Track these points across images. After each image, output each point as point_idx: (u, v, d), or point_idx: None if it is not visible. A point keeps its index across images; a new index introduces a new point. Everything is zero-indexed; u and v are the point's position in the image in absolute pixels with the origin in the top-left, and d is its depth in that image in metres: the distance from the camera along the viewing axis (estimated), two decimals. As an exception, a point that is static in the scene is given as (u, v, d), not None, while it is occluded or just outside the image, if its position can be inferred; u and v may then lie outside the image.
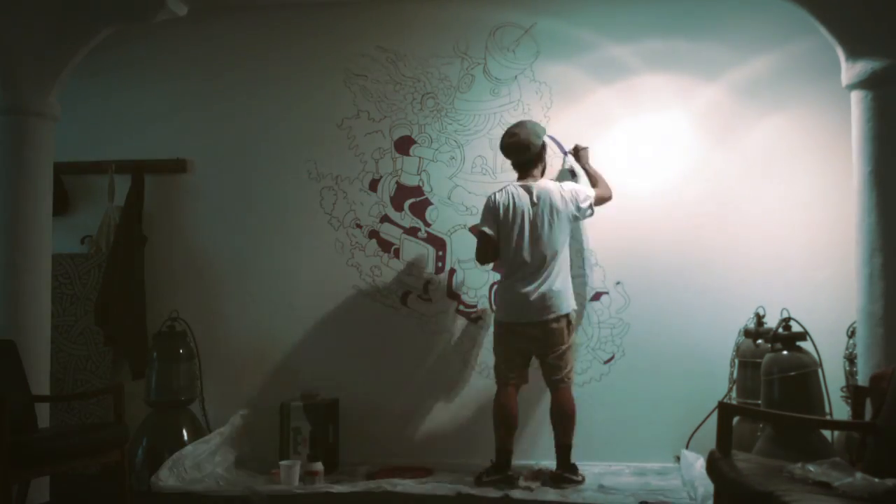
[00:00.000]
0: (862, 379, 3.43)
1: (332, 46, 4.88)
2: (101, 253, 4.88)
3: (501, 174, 4.73)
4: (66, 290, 4.83)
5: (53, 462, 3.48)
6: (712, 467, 2.88)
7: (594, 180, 4.42)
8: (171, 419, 4.54)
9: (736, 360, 4.26)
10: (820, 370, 3.83)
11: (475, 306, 4.72)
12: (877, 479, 2.57)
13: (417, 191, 4.81)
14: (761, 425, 3.91)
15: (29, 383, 3.80)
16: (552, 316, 4.11)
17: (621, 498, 3.92)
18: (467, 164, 4.77)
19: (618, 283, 4.63)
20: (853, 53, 3.50)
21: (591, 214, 4.37)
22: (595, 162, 4.59)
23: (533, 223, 4.14)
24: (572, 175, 4.58)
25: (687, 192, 4.60)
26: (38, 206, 4.08)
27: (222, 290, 4.91)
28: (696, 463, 3.92)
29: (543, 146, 4.32)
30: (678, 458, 4.32)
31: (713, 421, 3.12)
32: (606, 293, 4.64)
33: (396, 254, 4.80)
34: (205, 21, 4.80)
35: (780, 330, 3.92)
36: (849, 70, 3.53)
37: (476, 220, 4.73)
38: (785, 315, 3.99)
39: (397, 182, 4.83)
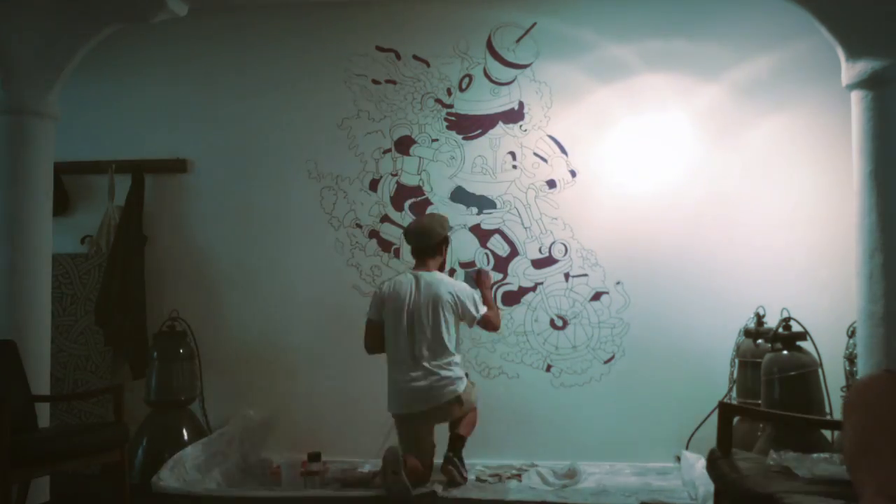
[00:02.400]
0: (862, 379, 3.43)
1: (332, 46, 4.88)
2: (101, 253, 4.88)
3: (501, 174, 4.74)
4: (66, 290, 4.83)
5: (53, 462, 3.47)
6: (712, 467, 2.89)
7: (488, 303, 4.25)
8: (171, 419, 4.54)
9: (736, 360, 4.26)
10: (820, 370, 3.84)
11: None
12: (841, 467, 2.61)
13: (417, 191, 4.81)
14: (761, 425, 3.91)
15: (29, 383, 3.80)
16: (444, 400, 4.00)
17: (621, 498, 3.92)
18: (467, 164, 4.77)
19: (618, 283, 4.63)
20: (853, 53, 3.50)
21: (471, 326, 4.24)
22: (595, 162, 4.61)
23: (414, 313, 4.04)
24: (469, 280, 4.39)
25: (687, 191, 4.60)
26: (38, 206, 4.08)
27: (222, 290, 4.91)
28: (697, 463, 3.91)
29: (446, 241, 4.27)
30: (678, 458, 4.32)
31: (713, 421, 3.13)
32: (606, 293, 4.64)
33: (396, 254, 4.81)
34: (205, 21, 4.80)
35: (780, 330, 3.92)
36: (849, 70, 3.53)
37: (475, 220, 4.75)
38: (785, 315, 4.00)
39: (397, 182, 4.83)
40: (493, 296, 4.43)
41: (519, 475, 4.29)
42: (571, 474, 4.25)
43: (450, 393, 4.01)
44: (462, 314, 4.11)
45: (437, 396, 3.99)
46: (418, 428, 4.06)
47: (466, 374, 4.17)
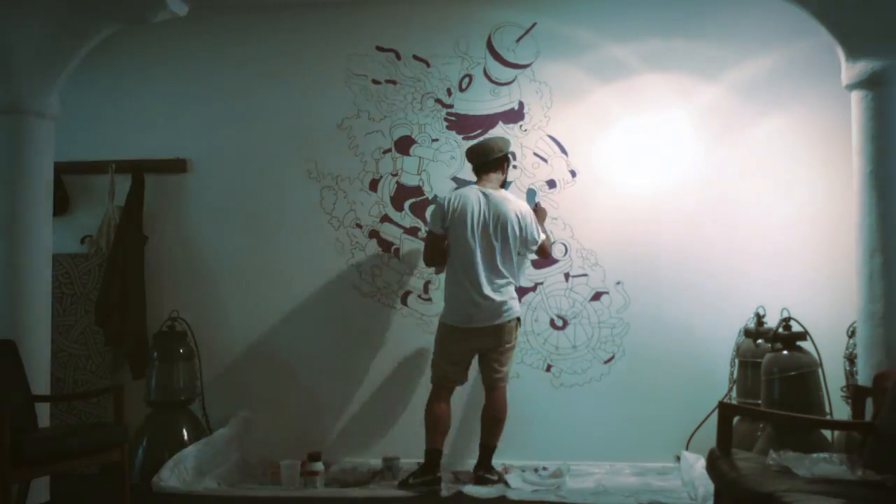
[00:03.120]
0: (862, 379, 3.44)
1: (332, 46, 4.88)
2: (101, 253, 4.88)
3: (501, 174, 4.73)
4: (66, 290, 4.83)
5: (53, 462, 3.48)
6: (712, 467, 2.89)
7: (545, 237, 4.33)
8: (171, 419, 4.54)
9: (736, 360, 4.27)
10: (820, 370, 3.84)
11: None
12: (841, 467, 2.61)
13: (417, 191, 4.81)
14: (761, 425, 3.91)
15: (29, 383, 3.80)
16: (503, 320, 4.07)
17: (621, 498, 3.92)
18: (467, 164, 4.76)
19: (618, 283, 4.63)
20: (853, 53, 3.51)
21: (529, 253, 4.32)
22: (595, 162, 4.62)
23: (482, 228, 4.07)
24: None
25: (687, 191, 4.60)
26: (38, 206, 4.08)
27: (222, 290, 4.91)
28: (697, 463, 3.92)
29: (507, 158, 4.29)
30: (678, 458, 4.32)
31: (713, 421, 3.13)
32: (606, 293, 4.64)
33: (396, 254, 4.80)
34: (205, 21, 4.79)
35: (780, 330, 3.93)
36: (849, 70, 3.54)
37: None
38: (785, 315, 4.00)
39: (397, 182, 4.83)
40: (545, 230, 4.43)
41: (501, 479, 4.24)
42: (558, 474, 4.25)
43: (509, 314, 4.07)
44: (525, 236, 4.13)
45: (500, 315, 4.04)
46: (467, 343, 4.08)
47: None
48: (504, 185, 4.36)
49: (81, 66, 4.28)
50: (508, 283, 4.10)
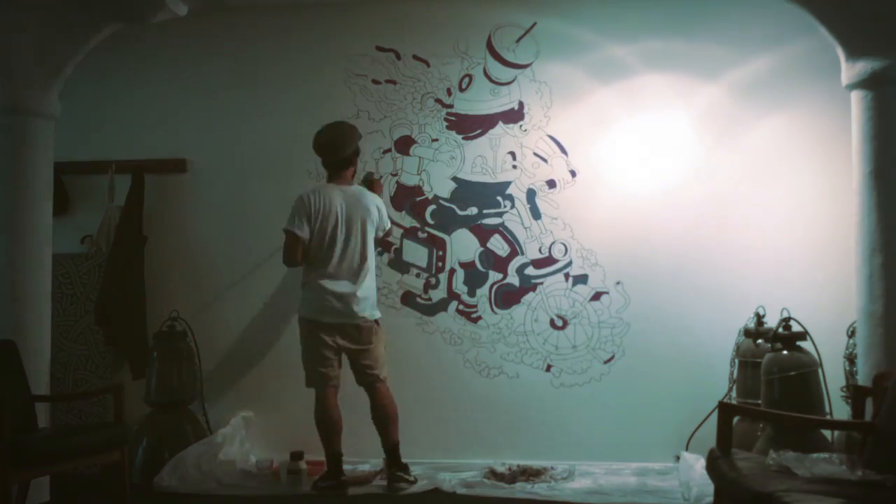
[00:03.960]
0: (862, 379, 3.44)
1: (332, 46, 4.88)
2: (101, 253, 4.88)
3: (501, 174, 4.74)
4: (66, 290, 4.83)
5: (53, 462, 3.48)
6: (712, 467, 2.89)
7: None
8: (171, 419, 4.54)
9: (736, 360, 4.26)
10: (820, 370, 3.84)
11: (475, 306, 4.72)
12: (841, 467, 2.61)
13: (417, 191, 4.81)
14: (761, 425, 3.91)
15: (29, 383, 3.80)
16: (362, 319, 4.06)
17: (615, 498, 3.92)
18: (467, 164, 4.77)
19: (618, 282, 4.63)
20: (853, 53, 3.51)
21: (381, 237, 4.35)
22: (595, 162, 4.62)
23: (346, 226, 4.07)
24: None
25: (687, 191, 4.60)
26: (38, 206, 4.08)
27: (222, 290, 4.91)
28: (697, 464, 3.92)
29: (357, 150, 4.27)
30: (678, 458, 4.32)
31: (713, 421, 3.13)
32: (606, 293, 4.64)
33: (396, 254, 4.80)
34: (205, 21, 4.79)
35: (780, 330, 3.93)
36: (849, 70, 3.54)
37: (474, 220, 4.74)
38: (785, 315, 4.00)
39: (397, 182, 4.83)
40: None
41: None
42: (570, 476, 4.25)
43: (371, 312, 4.11)
44: (381, 227, 4.23)
45: (361, 310, 4.05)
46: (330, 339, 4.04)
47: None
48: (353, 177, 4.32)
49: (81, 66, 4.28)
50: (367, 284, 4.11)
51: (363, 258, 4.10)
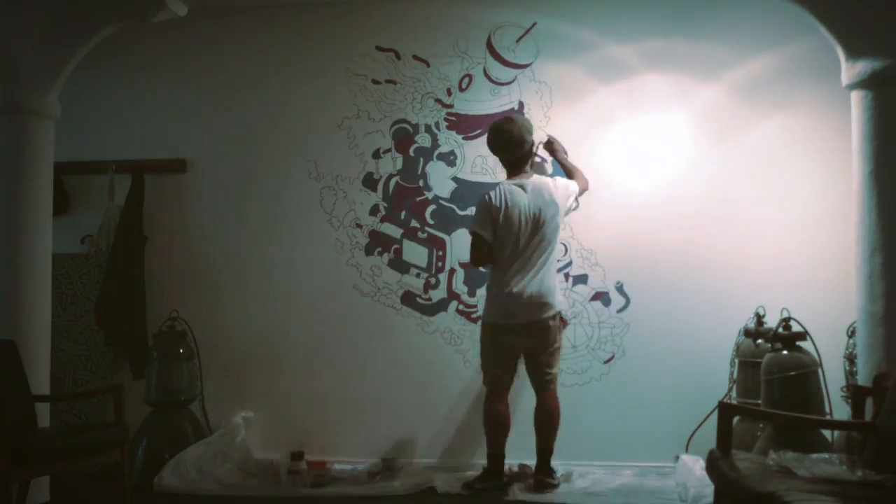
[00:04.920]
0: (862, 379, 3.43)
1: (332, 46, 4.88)
2: (101, 253, 4.88)
3: (501, 174, 4.73)
4: (66, 290, 4.83)
5: (53, 462, 3.48)
6: (712, 467, 2.89)
7: (570, 172, 4.36)
8: (171, 419, 4.54)
9: (736, 360, 4.26)
10: (820, 370, 3.84)
11: (475, 306, 4.71)
12: (841, 467, 2.61)
13: (417, 191, 4.81)
14: (761, 425, 3.91)
15: (29, 383, 3.80)
16: (548, 314, 4.05)
17: (612, 499, 3.91)
18: (467, 164, 4.77)
19: (618, 283, 4.63)
20: (853, 53, 3.50)
21: (577, 208, 4.35)
22: (595, 162, 4.61)
23: (529, 223, 4.05)
24: (542, 165, 4.53)
25: (687, 191, 4.60)
26: (38, 206, 4.08)
27: (222, 290, 4.91)
28: (696, 465, 3.91)
29: (533, 143, 4.26)
30: (678, 458, 4.31)
31: (713, 421, 3.13)
32: (606, 293, 4.64)
33: (396, 254, 4.80)
34: (205, 21, 4.80)
35: (780, 330, 3.93)
36: (849, 70, 3.53)
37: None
38: (785, 315, 4.00)
39: (397, 182, 4.83)
40: (569, 162, 4.42)
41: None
42: (567, 478, 4.25)
43: (557, 304, 4.07)
44: (567, 206, 4.19)
45: (546, 306, 4.01)
46: (511, 344, 4.05)
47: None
48: (532, 166, 4.31)
49: (81, 66, 4.28)
50: (551, 277, 4.07)
51: (546, 255, 4.05)
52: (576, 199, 4.29)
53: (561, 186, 4.19)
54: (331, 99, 4.86)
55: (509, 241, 4.04)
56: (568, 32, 4.71)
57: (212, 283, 4.92)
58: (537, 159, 4.49)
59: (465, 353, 4.70)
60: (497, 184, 4.23)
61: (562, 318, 4.17)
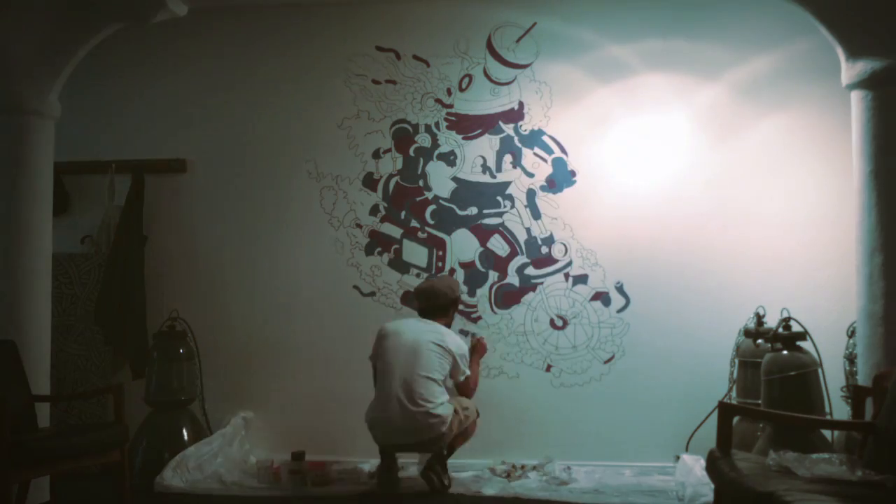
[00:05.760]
0: (862, 379, 3.44)
1: (332, 46, 4.88)
2: (101, 253, 4.88)
3: (501, 174, 4.74)
4: (66, 290, 4.83)
5: (53, 462, 3.48)
6: (712, 467, 2.89)
7: (472, 374, 4.18)
8: (171, 419, 4.54)
9: (736, 360, 4.26)
10: (820, 370, 3.84)
11: (475, 307, 4.72)
12: (841, 467, 2.61)
13: (417, 191, 4.81)
14: (761, 425, 3.91)
15: (29, 383, 3.80)
16: (425, 437, 3.91)
17: (611, 498, 3.91)
18: (467, 163, 4.77)
19: (618, 282, 4.63)
20: (853, 53, 3.51)
21: (454, 381, 4.15)
22: (595, 162, 4.64)
23: (407, 353, 3.97)
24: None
25: (687, 191, 4.60)
26: (38, 206, 4.08)
27: (222, 290, 4.91)
28: (697, 465, 3.91)
29: (455, 302, 4.26)
30: (678, 458, 4.31)
31: (713, 421, 3.13)
32: (606, 293, 4.64)
33: (396, 254, 4.80)
34: (205, 21, 4.80)
35: (780, 330, 3.92)
36: (849, 70, 3.54)
37: (474, 220, 4.75)
38: (785, 315, 4.00)
39: (397, 182, 4.83)
40: (478, 368, 4.33)
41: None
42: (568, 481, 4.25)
43: (434, 429, 3.88)
44: (452, 366, 4.04)
45: (421, 431, 3.89)
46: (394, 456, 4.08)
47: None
48: (449, 325, 4.26)
49: (81, 66, 4.28)
50: (435, 403, 3.90)
51: (426, 381, 3.91)
52: (458, 379, 4.09)
53: (461, 345, 4.10)
54: (331, 99, 4.86)
55: (387, 367, 4.00)
56: (568, 32, 4.71)
57: (212, 283, 4.92)
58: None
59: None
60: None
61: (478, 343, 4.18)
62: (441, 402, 3.93)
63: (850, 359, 3.94)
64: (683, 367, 4.50)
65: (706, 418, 4.22)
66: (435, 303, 4.18)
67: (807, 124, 4.52)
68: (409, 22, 4.85)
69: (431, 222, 4.79)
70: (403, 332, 4.07)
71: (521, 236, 4.71)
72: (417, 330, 4.07)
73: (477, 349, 4.33)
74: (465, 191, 4.76)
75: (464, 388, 4.16)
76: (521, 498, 3.92)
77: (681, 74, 4.64)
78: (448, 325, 4.24)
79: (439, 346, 4.01)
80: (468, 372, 4.13)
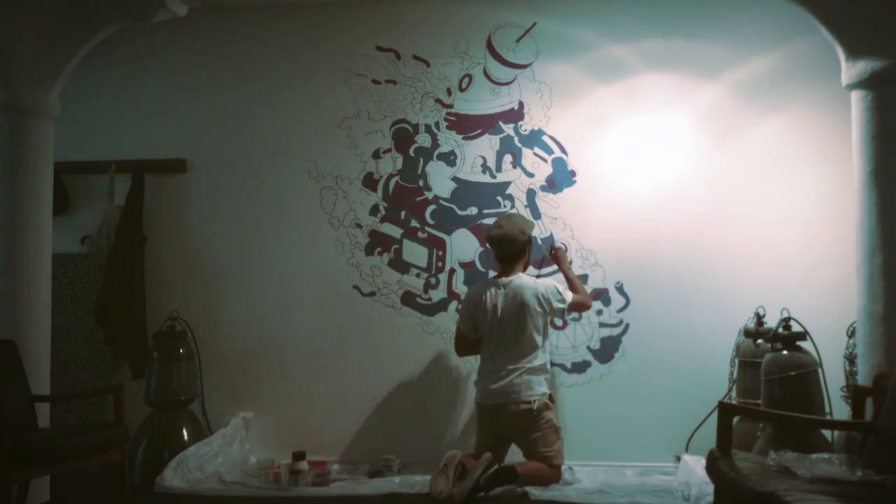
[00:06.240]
0: (862, 379, 3.43)
1: (332, 46, 4.88)
2: (101, 253, 4.88)
3: (501, 174, 4.74)
4: (66, 290, 4.83)
5: (53, 462, 3.47)
6: (712, 467, 2.88)
7: (573, 285, 4.34)
8: (171, 419, 4.53)
9: (736, 360, 4.26)
10: (820, 370, 3.84)
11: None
12: (841, 467, 2.61)
13: (417, 191, 4.81)
14: (761, 425, 3.91)
15: (29, 383, 3.80)
16: (522, 405, 4.04)
17: (615, 498, 3.91)
18: (467, 163, 4.77)
19: (618, 282, 4.63)
20: (853, 53, 3.50)
21: (564, 317, 4.34)
22: (595, 162, 4.63)
23: (504, 319, 4.13)
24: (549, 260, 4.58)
25: (687, 191, 4.60)
26: (38, 206, 4.08)
27: (222, 290, 4.91)
28: (698, 465, 3.91)
29: (529, 241, 4.30)
30: (679, 458, 4.32)
31: (713, 421, 3.12)
32: (607, 293, 4.64)
33: (396, 254, 4.80)
34: (205, 21, 4.80)
35: (780, 330, 3.92)
36: (849, 70, 3.53)
37: (474, 220, 4.75)
38: (785, 315, 4.00)
39: (397, 182, 4.83)
40: (572, 271, 4.46)
41: None
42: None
43: (532, 394, 4.05)
44: (551, 311, 4.20)
45: (519, 396, 4.04)
46: (495, 427, 4.13)
47: (551, 397, 4.17)
48: (526, 267, 4.37)
49: (81, 66, 4.28)
50: (529, 370, 4.09)
51: (522, 349, 4.11)
52: (564, 310, 4.24)
53: (548, 289, 4.20)
54: (331, 99, 4.86)
55: (487, 333, 4.18)
56: (568, 32, 4.71)
57: (212, 283, 4.92)
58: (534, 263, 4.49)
59: (465, 357, 4.69)
60: (484, 280, 4.39)
61: (542, 407, 4.10)
62: (540, 373, 4.14)
63: (850, 359, 3.94)
64: (683, 367, 4.50)
65: (706, 418, 4.22)
66: (512, 249, 4.23)
67: (807, 124, 4.52)
68: (409, 22, 4.85)
69: (431, 222, 4.79)
70: (493, 306, 4.17)
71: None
72: (508, 298, 4.16)
73: (559, 258, 4.45)
74: (465, 191, 4.76)
75: (577, 307, 4.33)
76: (528, 497, 3.91)
77: (681, 74, 4.64)
78: (526, 263, 4.34)
79: (534, 306, 4.14)
80: (568, 297, 4.24)
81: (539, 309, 4.16)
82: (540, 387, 4.11)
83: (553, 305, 4.19)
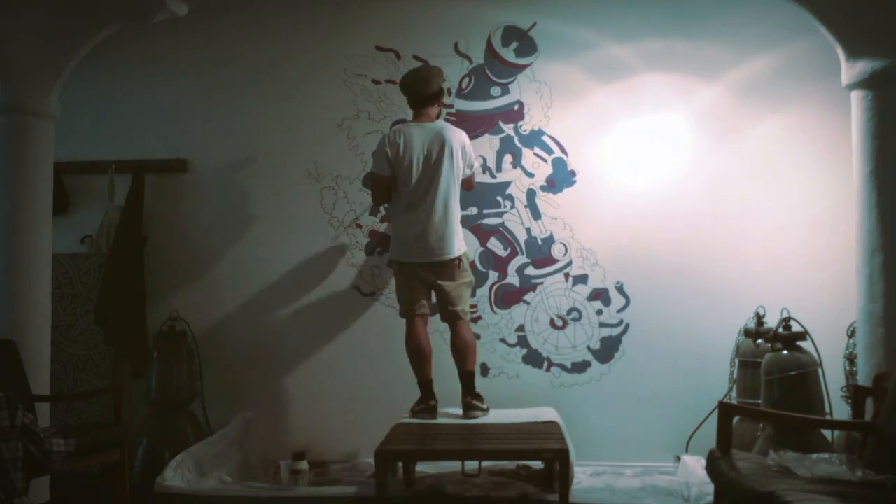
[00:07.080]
0: (862, 379, 3.43)
1: (332, 46, 4.88)
2: (101, 253, 4.88)
3: (501, 174, 4.74)
4: (66, 290, 4.83)
5: (53, 462, 3.47)
6: (712, 467, 2.89)
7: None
8: (171, 419, 4.54)
9: (736, 360, 4.27)
10: (820, 370, 3.84)
11: (475, 306, 4.71)
12: (841, 467, 2.61)
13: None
14: (761, 425, 3.91)
15: (29, 383, 3.80)
16: (445, 257, 4.10)
17: (614, 498, 3.91)
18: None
19: (618, 282, 4.63)
20: (853, 53, 3.50)
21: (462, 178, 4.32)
22: (595, 162, 4.66)
23: (428, 163, 4.10)
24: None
25: (687, 191, 4.60)
26: (38, 206, 4.08)
27: (222, 290, 4.91)
28: (698, 465, 3.91)
29: (441, 91, 4.30)
30: (678, 458, 4.32)
31: (713, 421, 3.13)
32: (606, 293, 4.64)
33: (396, 254, 4.80)
34: (205, 21, 4.80)
35: (780, 330, 3.92)
36: (849, 70, 3.53)
37: (474, 220, 4.74)
38: (785, 315, 4.00)
39: (397, 182, 4.82)
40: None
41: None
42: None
43: (455, 250, 4.11)
44: (467, 164, 4.23)
45: (443, 249, 4.09)
46: (418, 277, 4.15)
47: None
48: (438, 116, 4.37)
49: (81, 66, 4.29)
50: (451, 221, 4.12)
51: (444, 197, 4.10)
52: (470, 181, 4.33)
53: (460, 135, 4.23)
54: (331, 99, 4.86)
55: (407, 179, 4.11)
56: (568, 32, 4.71)
57: (212, 283, 4.92)
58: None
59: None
60: (398, 123, 4.36)
61: (460, 260, 4.18)
62: (457, 234, 4.18)
63: (850, 359, 3.94)
64: (683, 367, 4.51)
65: (706, 418, 4.22)
66: (427, 92, 4.22)
67: (807, 124, 4.53)
68: (409, 22, 4.85)
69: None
70: (418, 145, 4.12)
71: (521, 236, 4.71)
72: (433, 139, 4.13)
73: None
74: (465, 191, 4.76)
75: (469, 181, 4.35)
76: (531, 497, 3.91)
77: (681, 74, 4.64)
78: (438, 113, 4.34)
79: (457, 150, 4.15)
80: (474, 163, 4.32)
81: (461, 162, 4.17)
82: (461, 243, 4.17)
83: (469, 161, 4.23)
